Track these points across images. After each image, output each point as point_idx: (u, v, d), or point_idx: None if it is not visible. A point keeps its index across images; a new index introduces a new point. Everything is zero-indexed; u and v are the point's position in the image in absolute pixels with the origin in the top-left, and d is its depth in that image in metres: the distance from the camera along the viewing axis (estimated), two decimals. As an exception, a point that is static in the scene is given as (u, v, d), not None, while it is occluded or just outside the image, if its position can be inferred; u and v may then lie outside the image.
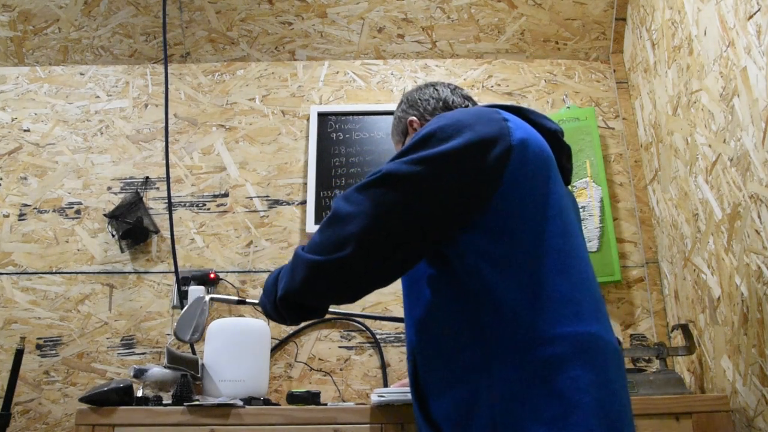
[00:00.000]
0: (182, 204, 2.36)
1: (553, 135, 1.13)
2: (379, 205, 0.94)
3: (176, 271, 2.16)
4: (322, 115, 2.43)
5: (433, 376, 1.02)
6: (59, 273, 2.27)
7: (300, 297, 1.01)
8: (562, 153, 1.17)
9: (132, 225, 2.23)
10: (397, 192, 0.94)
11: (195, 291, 2.15)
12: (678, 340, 2.01)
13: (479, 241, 0.96)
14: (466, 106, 1.34)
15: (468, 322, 0.96)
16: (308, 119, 2.46)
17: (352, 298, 1.02)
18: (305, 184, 2.37)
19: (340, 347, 2.17)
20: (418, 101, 1.37)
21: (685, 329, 1.85)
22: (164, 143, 2.29)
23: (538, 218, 0.97)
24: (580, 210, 2.24)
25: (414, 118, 1.35)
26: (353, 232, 0.93)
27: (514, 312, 0.91)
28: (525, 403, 0.88)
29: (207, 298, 1.45)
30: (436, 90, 1.37)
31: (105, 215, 2.28)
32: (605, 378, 0.91)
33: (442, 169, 0.94)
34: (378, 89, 2.51)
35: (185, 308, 1.46)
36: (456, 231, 0.98)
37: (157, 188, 2.38)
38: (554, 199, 1.00)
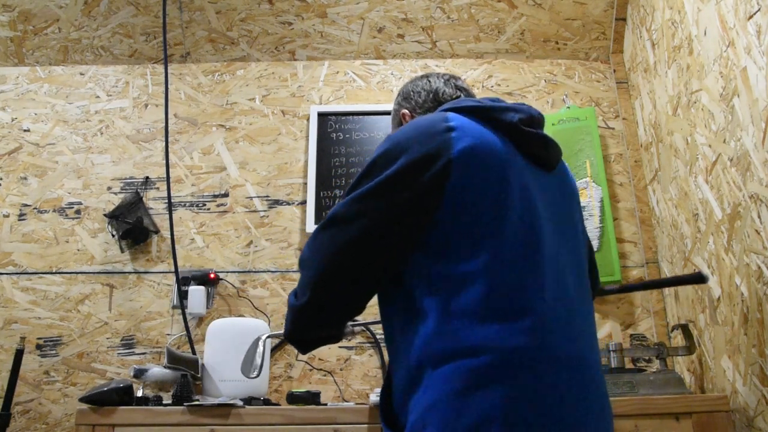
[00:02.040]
0: (182, 204, 2.36)
1: (514, 128, 1.06)
2: (329, 248, 1.00)
3: (176, 271, 2.16)
4: (322, 115, 2.43)
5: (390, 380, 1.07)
6: (59, 273, 2.27)
7: (295, 335, 1.09)
8: (531, 142, 1.08)
9: (132, 225, 2.23)
10: (344, 232, 0.99)
11: (195, 291, 2.16)
12: (678, 340, 2.01)
13: (422, 260, 0.98)
14: (458, 97, 1.29)
15: (403, 334, 0.99)
16: (308, 119, 2.46)
17: (336, 328, 1.09)
18: (305, 184, 2.37)
19: (340, 347, 2.17)
20: (411, 93, 1.35)
21: (685, 329, 1.85)
22: (164, 143, 2.29)
23: (480, 232, 0.96)
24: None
25: (406, 111, 1.33)
26: (309, 279, 1.01)
27: (444, 326, 0.93)
28: (440, 415, 0.89)
29: (264, 337, 1.48)
30: (429, 81, 1.34)
31: (105, 215, 2.28)
32: (524, 394, 0.87)
33: (383, 198, 0.98)
34: (378, 89, 2.51)
35: (248, 348, 1.50)
36: (408, 251, 1.00)
37: (157, 188, 2.38)
38: (507, 206, 0.97)
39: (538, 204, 1.03)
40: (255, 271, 2.27)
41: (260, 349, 1.45)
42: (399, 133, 1.04)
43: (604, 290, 1.21)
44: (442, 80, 1.32)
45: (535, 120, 1.11)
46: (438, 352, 0.92)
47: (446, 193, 0.97)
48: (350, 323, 1.34)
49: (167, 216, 2.25)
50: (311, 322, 1.06)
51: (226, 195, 2.37)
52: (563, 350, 0.93)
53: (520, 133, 1.06)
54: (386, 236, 0.98)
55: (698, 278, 1.02)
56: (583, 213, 2.24)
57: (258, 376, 1.45)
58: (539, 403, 0.88)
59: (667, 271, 2.15)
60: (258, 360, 1.47)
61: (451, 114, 1.06)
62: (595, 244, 2.20)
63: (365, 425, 1.57)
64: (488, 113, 1.07)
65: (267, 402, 1.78)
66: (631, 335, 2.17)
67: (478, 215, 0.96)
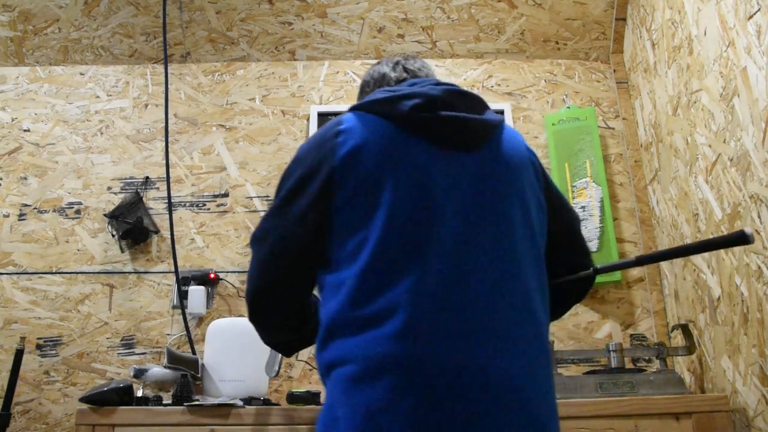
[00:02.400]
0: (182, 204, 2.36)
1: (407, 116, 1.01)
2: (252, 266, 1.06)
3: (176, 271, 2.16)
4: (322, 115, 2.43)
5: None
6: (59, 273, 2.27)
7: (265, 342, 1.15)
8: (431, 127, 1.02)
9: (132, 225, 2.23)
10: (260, 251, 1.05)
11: (195, 291, 2.15)
12: (678, 340, 2.01)
13: (320, 269, 1.01)
14: (404, 80, 1.21)
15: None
16: (308, 119, 2.46)
17: (288, 335, 1.11)
18: (305, 184, 2.36)
19: (340, 347, 2.17)
20: (364, 85, 1.29)
21: (685, 329, 1.85)
22: (164, 143, 2.29)
23: (356, 236, 0.95)
24: (581, 210, 2.24)
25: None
26: (247, 295, 1.07)
27: (325, 334, 0.95)
28: (321, 422, 0.93)
29: None
30: (377, 69, 1.27)
31: (105, 215, 2.28)
32: (382, 404, 0.84)
33: (284, 215, 1.02)
34: (378, 89, 2.51)
35: (270, 351, 1.59)
36: (315, 261, 1.02)
37: (157, 188, 2.38)
38: (382, 206, 0.94)
39: (438, 192, 0.97)
40: (255, 271, 2.27)
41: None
42: (301, 146, 1.09)
43: (605, 268, 1.10)
44: (390, 65, 1.26)
45: (441, 101, 1.03)
46: (325, 362, 0.94)
47: (333, 200, 0.98)
48: None
49: (167, 216, 2.25)
50: (264, 331, 1.10)
51: (226, 195, 2.37)
52: (442, 359, 0.86)
53: (415, 120, 1.01)
54: (294, 251, 1.01)
55: (739, 238, 0.92)
56: (584, 213, 2.24)
57: (277, 375, 1.59)
58: (371, 415, 0.84)
59: (668, 271, 2.15)
60: (278, 360, 1.58)
61: (346, 116, 1.06)
62: (595, 244, 2.20)
63: (365, 425, 1.57)
64: (383, 106, 1.03)
65: (267, 402, 1.78)
66: (631, 335, 2.17)
67: (354, 219, 0.96)
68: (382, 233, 0.93)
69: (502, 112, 2.44)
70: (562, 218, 1.16)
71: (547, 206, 1.12)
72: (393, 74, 1.23)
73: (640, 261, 1.05)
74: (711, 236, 1.79)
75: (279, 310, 1.07)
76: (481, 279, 0.93)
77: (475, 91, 2.50)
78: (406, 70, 1.24)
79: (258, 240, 1.06)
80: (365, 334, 0.89)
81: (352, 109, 1.07)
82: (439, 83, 1.08)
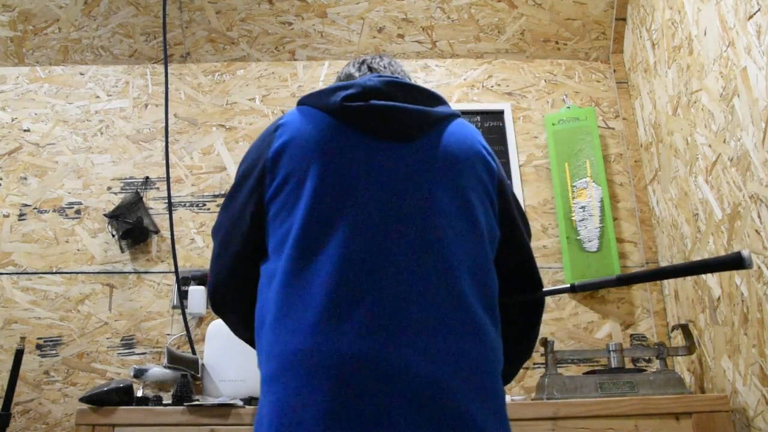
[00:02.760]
0: (182, 204, 2.36)
1: (338, 108, 1.01)
2: (213, 257, 1.12)
3: (176, 271, 2.16)
4: (322, 115, 2.43)
5: None
6: (59, 273, 2.27)
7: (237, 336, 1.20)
8: (364, 117, 1.00)
9: (132, 225, 2.23)
10: (216, 240, 1.11)
11: (195, 291, 2.16)
12: (678, 340, 2.01)
13: (264, 258, 1.02)
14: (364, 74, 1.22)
15: None
16: (308, 119, 2.46)
17: (244, 323, 1.12)
18: (305, 184, 2.36)
19: (340, 347, 2.17)
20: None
21: (685, 329, 1.85)
22: (164, 143, 2.29)
23: (287, 226, 0.95)
24: (581, 210, 2.24)
25: None
26: (208, 288, 1.13)
27: (262, 324, 0.96)
28: (255, 417, 0.95)
29: None
30: (346, 67, 1.26)
31: (105, 215, 2.28)
32: (278, 401, 0.85)
33: (229, 208, 1.07)
34: (378, 89, 2.51)
35: None
36: (259, 257, 1.04)
37: (157, 188, 2.38)
38: (312, 193, 0.94)
39: (359, 180, 0.96)
40: (255, 271, 2.27)
41: None
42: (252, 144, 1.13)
43: (584, 286, 1.05)
44: (357, 65, 1.24)
45: (375, 91, 1.02)
46: (258, 358, 0.97)
47: (265, 192, 1.00)
48: None
49: (167, 216, 2.25)
50: (229, 325, 1.16)
51: (226, 195, 2.37)
52: (354, 352, 0.84)
53: (347, 110, 1.00)
54: (239, 243, 1.04)
55: (735, 262, 0.82)
56: (584, 213, 2.23)
57: None
58: (284, 411, 0.84)
59: (667, 271, 2.15)
60: None
61: (290, 111, 1.09)
62: (595, 244, 2.20)
63: (365, 425, 1.57)
64: (320, 99, 1.04)
65: (267, 402, 1.78)
66: (631, 335, 2.17)
67: (282, 209, 0.97)
68: (303, 222, 0.93)
69: (501, 112, 2.44)
70: (511, 243, 1.08)
71: (500, 217, 1.06)
72: (357, 74, 1.22)
73: (620, 281, 1.02)
74: (711, 236, 1.79)
75: (236, 304, 1.09)
76: (398, 270, 0.90)
77: (475, 91, 2.51)
78: (370, 68, 1.22)
79: (213, 233, 1.13)
80: (283, 327, 0.89)
81: (298, 103, 1.10)
82: (385, 76, 1.06)
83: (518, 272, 1.10)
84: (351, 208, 0.93)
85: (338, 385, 0.83)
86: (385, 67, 1.23)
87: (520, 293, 1.11)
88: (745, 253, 0.81)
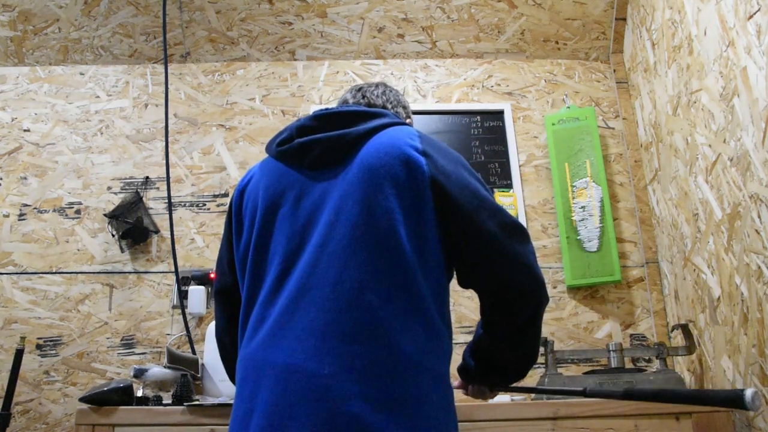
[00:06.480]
0: (182, 204, 2.36)
1: (276, 153, 1.16)
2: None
3: (176, 271, 2.16)
4: (322, 115, 2.43)
5: None
6: (59, 273, 2.27)
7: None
8: (293, 157, 1.13)
9: (132, 225, 2.23)
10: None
11: (195, 291, 2.16)
12: (678, 340, 2.01)
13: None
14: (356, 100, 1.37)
15: None
16: (308, 119, 2.46)
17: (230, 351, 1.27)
18: (305, 184, 2.36)
19: (340, 347, 2.17)
20: None
21: (685, 329, 1.85)
22: (164, 143, 2.29)
23: (243, 259, 1.14)
24: (581, 209, 2.24)
25: None
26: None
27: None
28: None
29: None
30: (344, 93, 1.40)
31: (105, 215, 2.28)
32: (239, 402, 1.01)
33: (224, 238, 1.25)
34: (378, 89, 2.51)
35: None
36: None
37: (157, 188, 2.38)
38: (249, 232, 1.13)
39: (282, 211, 1.09)
40: (255, 271, 2.27)
41: None
42: None
43: (595, 393, 1.11)
44: (353, 91, 1.36)
45: (301, 129, 1.14)
46: None
47: (231, 236, 1.20)
48: None
49: (167, 216, 2.25)
50: (227, 372, 1.32)
51: (226, 195, 2.37)
52: (258, 358, 0.99)
53: (281, 153, 1.15)
54: (225, 284, 1.23)
55: (736, 401, 0.77)
56: (583, 213, 2.23)
57: None
58: (238, 406, 1.01)
59: (668, 271, 2.15)
60: None
61: (260, 161, 1.25)
62: (595, 244, 2.20)
63: (365, 425, 1.57)
64: (268, 147, 1.21)
65: (267, 402, 1.78)
66: (631, 335, 2.17)
67: (238, 247, 1.17)
68: (252, 252, 1.10)
69: (501, 112, 2.44)
70: (468, 233, 1.04)
71: (440, 212, 1.03)
72: (352, 100, 1.34)
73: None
74: (711, 236, 1.79)
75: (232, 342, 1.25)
76: (296, 282, 1.01)
77: (475, 91, 2.51)
78: (364, 96, 1.34)
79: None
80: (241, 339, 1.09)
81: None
82: (320, 111, 1.16)
83: (490, 260, 1.03)
84: (278, 234, 1.08)
85: (250, 387, 0.99)
86: (364, 96, 1.33)
87: (502, 284, 1.04)
88: (748, 395, 0.75)
